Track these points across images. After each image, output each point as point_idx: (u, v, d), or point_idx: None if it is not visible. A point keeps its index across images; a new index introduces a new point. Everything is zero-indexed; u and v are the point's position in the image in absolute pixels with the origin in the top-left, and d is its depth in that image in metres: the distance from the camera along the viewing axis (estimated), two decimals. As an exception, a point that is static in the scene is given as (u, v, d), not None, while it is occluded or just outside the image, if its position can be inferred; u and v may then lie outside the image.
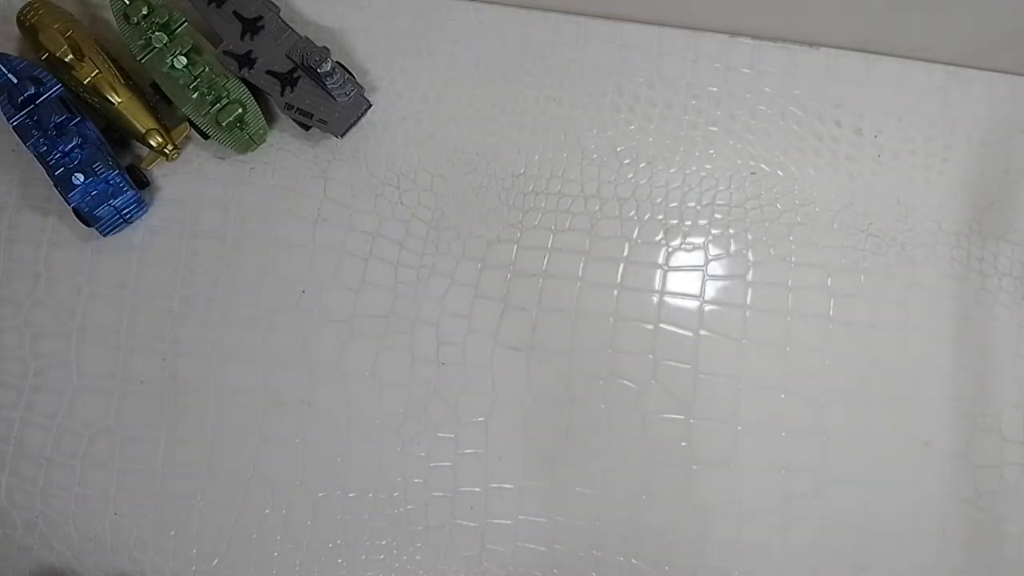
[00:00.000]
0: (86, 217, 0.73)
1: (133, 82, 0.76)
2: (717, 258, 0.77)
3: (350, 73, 0.76)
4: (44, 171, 0.73)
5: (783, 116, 0.79)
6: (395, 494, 0.74)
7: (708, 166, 0.78)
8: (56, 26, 0.74)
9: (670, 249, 0.77)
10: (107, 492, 0.74)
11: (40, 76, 0.73)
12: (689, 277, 0.77)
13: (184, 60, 0.74)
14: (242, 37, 0.75)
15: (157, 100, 0.76)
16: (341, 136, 0.76)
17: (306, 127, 0.77)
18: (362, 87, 0.77)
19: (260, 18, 0.75)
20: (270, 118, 0.78)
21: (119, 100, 0.74)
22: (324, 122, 0.75)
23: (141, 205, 0.75)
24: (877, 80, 0.79)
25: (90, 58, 0.74)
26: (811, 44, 0.80)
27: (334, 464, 0.74)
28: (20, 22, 0.75)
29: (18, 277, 0.76)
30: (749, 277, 0.77)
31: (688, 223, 0.77)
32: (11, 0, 0.77)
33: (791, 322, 0.76)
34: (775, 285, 0.77)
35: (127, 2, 0.74)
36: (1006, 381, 0.76)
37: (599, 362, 0.75)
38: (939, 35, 0.78)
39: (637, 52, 0.79)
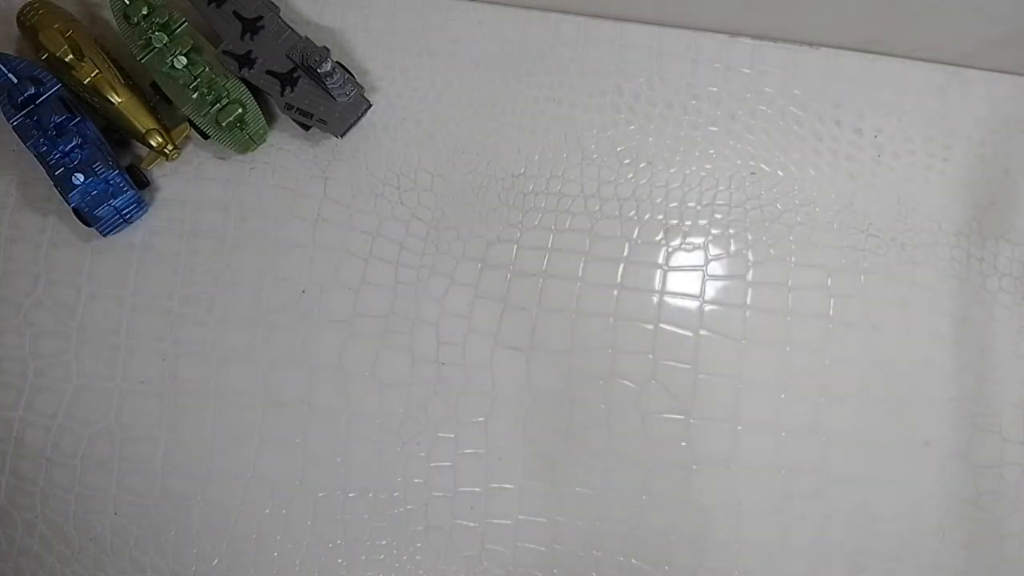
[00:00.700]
0: (86, 217, 0.73)
1: (133, 82, 0.76)
2: (717, 258, 0.77)
3: (350, 73, 0.76)
4: (44, 171, 0.73)
5: (783, 116, 0.79)
6: (395, 494, 0.74)
7: (708, 166, 0.78)
8: (56, 26, 0.74)
9: (670, 249, 0.77)
10: (107, 492, 0.74)
11: (40, 76, 0.73)
12: (689, 277, 0.77)
13: (184, 60, 0.74)
14: (242, 37, 0.75)
15: (157, 100, 0.76)
16: (341, 136, 0.76)
17: (306, 127, 0.77)
18: (362, 87, 0.77)
19: (260, 18, 0.75)
20: (270, 118, 0.78)
21: (119, 100, 0.74)
22: (324, 122, 0.75)
23: (141, 205, 0.75)
24: (877, 80, 0.79)
25: (90, 58, 0.74)
26: (811, 44, 0.80)
27: (334, 464, 0.74)
28: (20, 22, 0.75)
29: (18, 277, 0.76)
30: (749, 277, 0.77)
31: (688, 223, 0.77)
32: (11, 0, 0.77)
33: (791, 322, 0.76)
34: (775, 285, 0.77)
35: (127, 2, 0.74)
36: (1006, 381, 0.76)
37: (599, 362, 0.75)
38: (939, 35, 0.78)
39: (637, 52, 0.79)
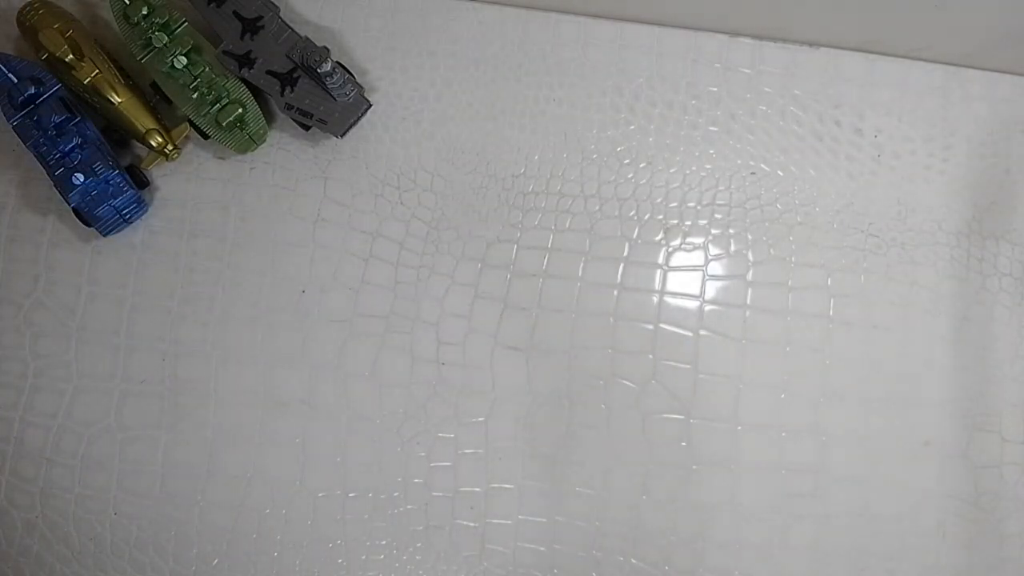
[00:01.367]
0: (86, 217, 0.73)
1: (133, 82, 0.76)
2: (717, 258, 0.77)
3: (350, 73, 0.76)
4: (44, 171, 0.73)
5: (783, 116, 0.79)
6: (395, 494, 0.74)
7: (708, 166, 0.78)
8: (56, 26, 0.74)
9: (670, 249, 0.77)
10: (107, 492, 0.74)
11: (40, 76, 0.73)
12: (689, 277, 0.77)
13: (184, 60, 0.74)
14: (242, 37, 0.75)
15: (157, 100, 0.76)
16: (341, 136, 0.76)
17: (306, 127, 0.77)
18: (362, 87, 0.77)
19: (260, 18, 0.75)
20: (270, 118, 0.78)
21: (119, 100, 0.74)
22: (324, 122, 0.75)
23: (141, 205, 0.75)
24: (877, 80, 0.79)
25: (90, 58, 0.74)
26: (811, 44, 0.80)
27: (334, 464, 0.74)
28: (20, 22, 0.75)
29: (18, 277, 0.76)
30: (749, 277, 0.77)
31: (688, 223, 0.77)
32: (11, 0, 0.77)
33: (791, 322, 0.76)
34: (775, 285, 0.77)
35: (127, 2, 0.74)
36: (1006, 381, 0.76)
37: (599, 362, 0.75)
38: (939, 35, 0.77)
39: (637, 52, 0.79)
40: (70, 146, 0.72)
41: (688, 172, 0.78)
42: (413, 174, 0.78)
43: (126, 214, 0.75)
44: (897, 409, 0.75)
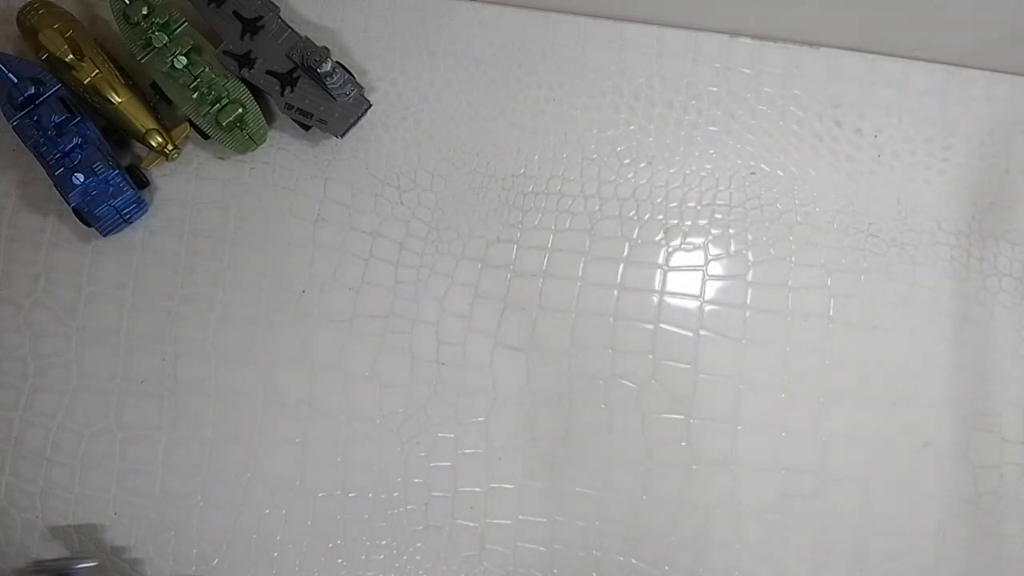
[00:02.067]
0: (86, 217, 0.73)
1: (133, 82, 0.76)
2: (717, 258, 0.77)
3: (350, 73, 0.76)
4: (44, 171, 0.73)
5: (783, 116, 0.79)
6: (395, 494, 0.74)
7: (708, 166, 0.78)
8: (56, 26, 0.74)
9: (670, 249, 0.77)
10: (107, 492, 0.74)
11: (40, 76, 0.73)
12: (689, 277, 0.77)
13: (184, 60, 0.74)
14: (242, 37, 0.75)
15: (157, 100, 0.76)
16: (341, 136, 0.76)
17: (306, 127, 0.77)
18: (362, 87, 0.77)
19: (260, 18, 0.75)
20: (270, 118, 0.78)
21: (119, 100, 0.74)
22: (324, 122, 0.75)
23: (141, 205, 0.75)
24: (877, 80, 0.79)
25: (90, 58, 0.74)
26: (811, 44, 0.80)
27: (334, 464, 0.74)
28: (20, 22, 0.75)
29: (18, 277, 0.76)
30: (749, 277, 0.77)
31: (688, 223, 0.77)
32: (11, 0, 0.77)
33: (791, 322, 0.76)
34: (775, 285, 0.77)
35: (127, 2, 0.74)
36: (1006, 381, 0.76)
37: (599, 362, 0.75)
38: (939, 35, 0.77)
39: (637, 52, 0.79)
40: (70, 146, 0.72)
41: (688, 172, 0.78)
42: (413, 174, 0.78)
43: (126, 214, 0.75)
44: (897, 409, 0.75)
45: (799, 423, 0.75)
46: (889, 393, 0.76)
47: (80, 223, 0.74)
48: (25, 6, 0.75)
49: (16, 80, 0.72)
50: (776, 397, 0.75)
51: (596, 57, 0.79)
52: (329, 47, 0.72)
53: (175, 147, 0.76)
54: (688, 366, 0.75)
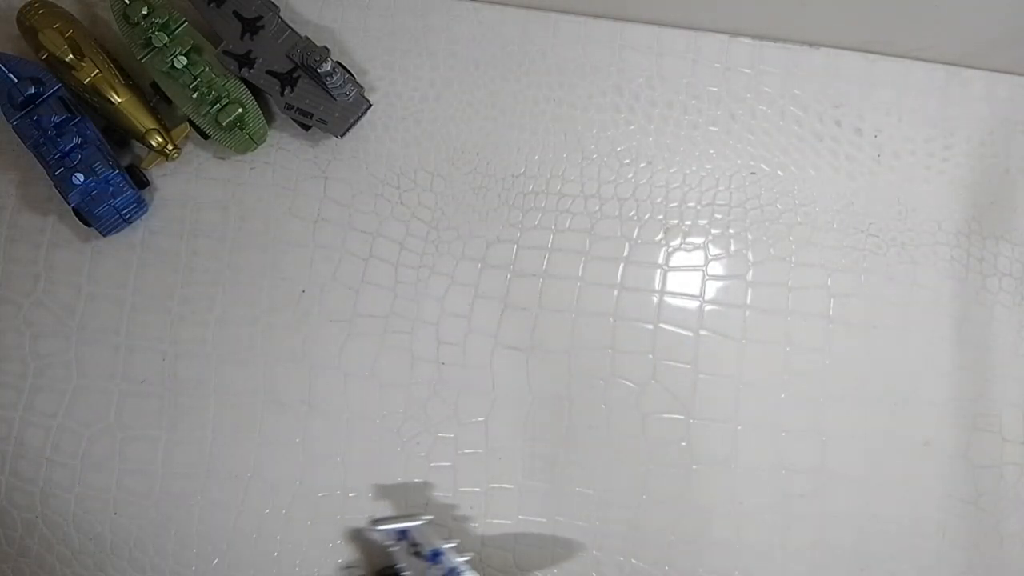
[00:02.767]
0: (86, 217, 0.73)
1: (133, 82, 0.76)
2: (717, 258, 0.77)
3: (350, 73, 0.76)
4: (44, 171, 0.73)
5: (783, 116, 0.79)
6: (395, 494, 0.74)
7: (708, 166, 0.78)
8: (56, 26, 0.74)
9: (670, 249, 0.77)
10: (107, 492, 0.74)
11: (40, 76, 0.73)
12: (689, 277, 0.77)
13: (184, 60, 0.74)
14: (242, 37, 0.75)
15: (157, 100, 0.76)
16: (341, 136, 0.76)
17: (306, 127, 0.77)
18: (362, 87, 0.77)
19: (260, 18, 0.75)
20: (270, 118, 0.78)
21: (119, 100, 0.74)
22: (324, 122, 0.75)
23: (141, 205, 0.75)
24: (877, 80, 0.79)
25: (90, 58, 0.74)
26: (811, 44, 0.80)
27: (334, 464, 0.74)
28: (20, 22, 0.75)
29: (18, 277, 0.76)
30: (749, 277, 0.77)
31: (688, 223, 0.77)
32: (11, 0, 0.77)
33: (791, 322, 0.76)
34: (775, 285, 0.77)
35: (127, 2, 0.74)
36: (1006, 381, 0.76)
37: (599, 362, 0.75)
38: (939, 35, 0.78)
39: (637, 52, 0.79)
40: (70, 146, 0.72)
41: (688, 172, 0.78)
42: (413, 174, 0.78)
43: (126, 214, 0.75)
44: (897, 409, 0.76)
45: (799, 423, 0.75)
46: (889, 393, 0.76)
47: (80, 223, 0.74)
48: (25, 6, 0.75)
49: (16, 80, 0.72)
50: (776, 397, 0.75)
51: (596, 57, 0.79)
52: (329, 47, 0.72)
53: (175, 147, 0.76)
54: (688, 366, 0.76)
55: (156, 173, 0.77)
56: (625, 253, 0.77)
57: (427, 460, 0.74)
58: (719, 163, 0.78)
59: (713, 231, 0.77)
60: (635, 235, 0.77)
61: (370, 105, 0.77)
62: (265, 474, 0.74)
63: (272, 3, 0.76)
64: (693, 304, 0.76)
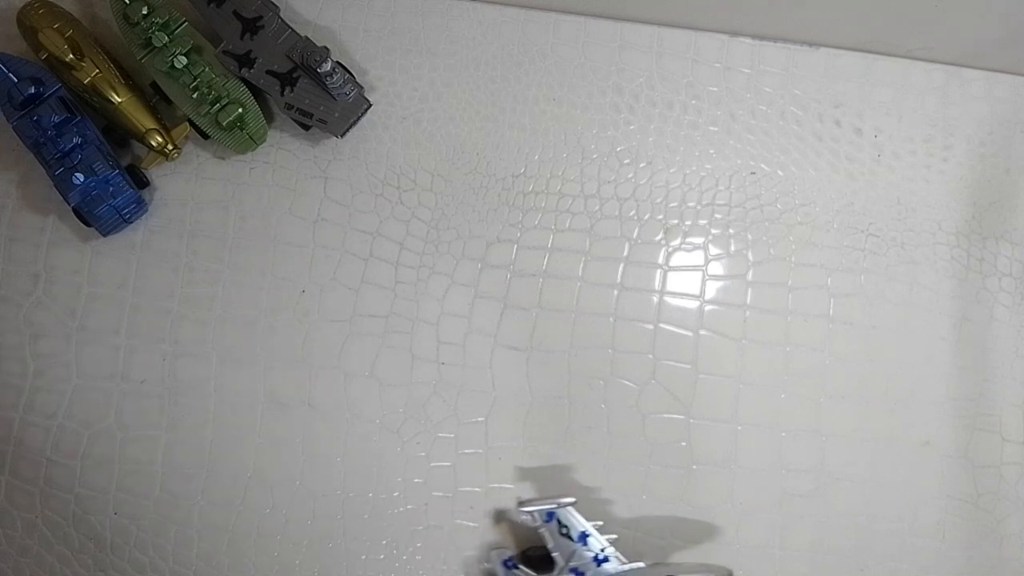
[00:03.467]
0: (86, 217, 0.73)
1: (133, 82, 0.76)
2: (717, 258, 0.77)
3: (350, 73, 0.76)
4: (44, 171, 0.73)
5: (783, 116, 0.79)
6: (395, 494, 0.74)
7: (708, 166, 0.78)
8: (56, 26, 0.74)
9: (670, 249, 0.77)
10: (107, 492, 0.74)
11: (40, 76, 0.73)
12: (689, 277, 0.77)
13: (184, 60, 0.74)
14: (242, 37, 0.75)
15: (157, 100, 0.76)
16: (341, 136, 0.76)
17: (306, 127, 0.77)
18: (362, 87, 0.77)
19: (260, 18, 0.75)
20: (270, 118, 0.78)
21: (119, 100, 0.74)
22: (324, 122, 0.75)
23: (141, 205, 0.75)
24: (877, 80, 0.79)
25: (90, 58, 0.74)
26: (811, 44, 0.80)
27: (334, 464, 0.74)
28: (20, 22, 0.75)
29: (18, 277, 0.76)
30: (749, 277, 0.77)
31: (688, 223, 0.77)
32: (11, 0, 0.77)
33: (791, 322, 0.76)
34: (775, 285, 0.77)
35: (127, 2, 0.74)
36: (1006, 381, 0.76)
37: (599, 362, 0.75)
38: (939, 35, 0.78)
39: (637, 52, 0.79)
40: (70, 146, 0.72)
41: (688, 172, 0.78)
42: (413, 174, 0.78)
43: (126, 214, 0.75)
44: (897, 409, 0.76)
45: (799, 423, 0.75)
46: (889, 393, 0.76)
47: (80, 223, 0.74)
48: (25, 6, 0.75)
49: (16, 80, 0.72)
50: (776, 397, 0.75)
51: (596, 57, 0.79)
52: (329, 47, 0.73)
53: (175, 147, 0.76)
54: (688, 366, 0.76)
55: (156, 173, 0.77)
56: (625, 253, 0.77)
57: (427, 460, 0.74)
58: (719, 163, 0.78)
59: (713, 231, 0.77)
60: (635, 235, 0.77)
61: (370, 105, 0.77)
62: (265, 474, 0.74)
63: (272, 3, 0.76)
64: (693, 304, 0.76)
